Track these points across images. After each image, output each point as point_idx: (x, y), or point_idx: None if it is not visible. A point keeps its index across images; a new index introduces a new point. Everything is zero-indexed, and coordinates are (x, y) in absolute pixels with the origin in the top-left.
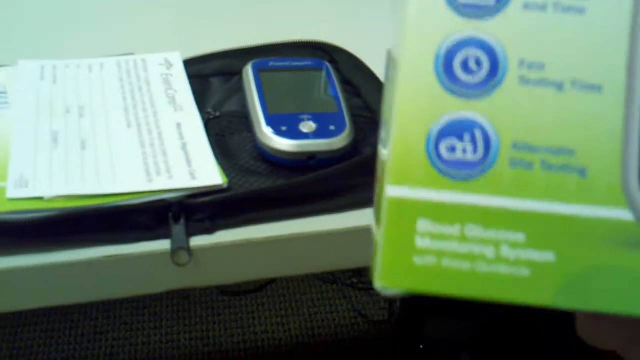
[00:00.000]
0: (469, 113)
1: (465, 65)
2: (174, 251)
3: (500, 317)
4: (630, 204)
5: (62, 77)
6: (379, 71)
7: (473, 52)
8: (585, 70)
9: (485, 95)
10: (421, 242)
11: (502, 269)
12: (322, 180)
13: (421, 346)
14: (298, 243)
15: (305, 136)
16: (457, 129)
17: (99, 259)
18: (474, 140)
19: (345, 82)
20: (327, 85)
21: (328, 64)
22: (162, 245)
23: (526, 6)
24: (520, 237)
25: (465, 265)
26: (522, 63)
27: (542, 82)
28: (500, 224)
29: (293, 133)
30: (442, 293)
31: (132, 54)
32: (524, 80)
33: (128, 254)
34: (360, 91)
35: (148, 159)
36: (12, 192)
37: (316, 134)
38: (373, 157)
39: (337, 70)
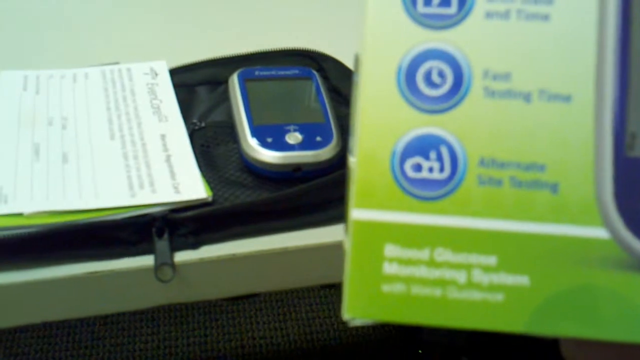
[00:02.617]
0: (434, 129)
1: (428, 78)
2: (157, 267)
3: None
4: (605, 222)
5: (45, 88)
6: None
7: (436, 64)
8: (553, 80)
9: (450, 109)
10: (389, 269)
11: (475, 295)
12: (308, 192)
13: (420, 350)
14: (285, 257)
15: (291, 147)
16: (422, 146)
17: (81, 276)
18: (440, 158)
19: (334, 91)
20: (315, 95)
21: (316, 73)
22: (146, 260)
23: (488, 15)
24: (492, 260)
25: (436, 292)
26: (486, 74)
27: (508, 94)
28: (471, 246)
29: (279, 144)
30: (413, 322)
31: (117, 63)
32: (489, 92)
33: (111, 270)
34: (348, 100)
35: (131, 172)
36: None
37: (302, 146)
38: None
39: (325, 78)
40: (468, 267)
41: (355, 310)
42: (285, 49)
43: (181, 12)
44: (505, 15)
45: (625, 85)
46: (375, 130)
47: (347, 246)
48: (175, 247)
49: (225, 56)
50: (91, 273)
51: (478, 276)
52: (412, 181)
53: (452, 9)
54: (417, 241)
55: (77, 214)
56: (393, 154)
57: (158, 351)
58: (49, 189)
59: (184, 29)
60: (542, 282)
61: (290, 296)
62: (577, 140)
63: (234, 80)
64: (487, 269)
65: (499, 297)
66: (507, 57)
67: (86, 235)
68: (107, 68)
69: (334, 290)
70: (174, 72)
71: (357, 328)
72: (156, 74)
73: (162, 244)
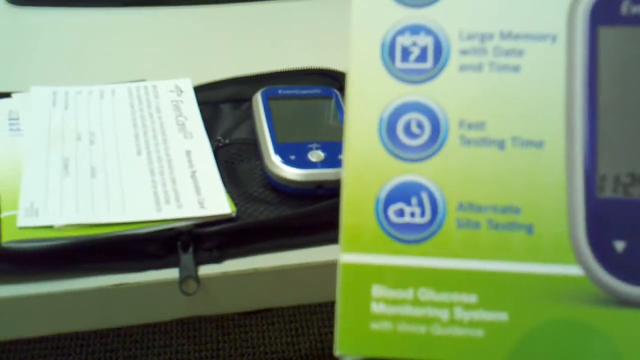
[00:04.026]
0: (414, 176)
1: (407, 129)
2: (182, 280)
3: None
4: (579, 259)
5: (73, 103)
6: None
7: (414, 116)
8: (525, 127)
9: (429, 157)
10: (376, 308)
11: (457, 332)
12: (329, 210)
13: None
14: (307, 272)
15: (313, 165)
16: (404, 193)
17: (108, 287)
18: (421, 203)
19: None
20: (336, 114)
21: (337, 92)
22: (171, 273)
23: (462, 68)
24: (472, 298)
25: (421, 329)
26: (462, 123)
27: (483, 142)
28: (452, 286)
29: (301, 162)
30: (401, 358)
31: (143, 80)
32: (465, 141)
33: (137, 283)
34: None
35: (157, 187)
36: (23, 221)
37: (324, 163)
38: None
39: None
40: (450, 305)
41: (347, 348)
42: (308, 68)
43: (206, 31)
44: (478, 67)
45: (595, 129)
46: (360, 179)
47: (338, 284)
48: (199, 261)
49: (249, 74)
50: (118, 285)
51: (460, 313)
52: (396, 225)
53: (428, 64)
54: (402, 282)
55: (105, 227)
56: (377, 200)
57: None
58: (78, 202)
59: (208, 48)
60: (520, 318)
61: (303, 311)
62: (550, 183)
63: (258, 99)
64: (468, 306)
65: (480, 332)
66: (481, 107)
67: (114, 248)
68: (133, 85)
69: None
70: (199, 90)
71: None
72: (181, 91)
73: (187, 257)
